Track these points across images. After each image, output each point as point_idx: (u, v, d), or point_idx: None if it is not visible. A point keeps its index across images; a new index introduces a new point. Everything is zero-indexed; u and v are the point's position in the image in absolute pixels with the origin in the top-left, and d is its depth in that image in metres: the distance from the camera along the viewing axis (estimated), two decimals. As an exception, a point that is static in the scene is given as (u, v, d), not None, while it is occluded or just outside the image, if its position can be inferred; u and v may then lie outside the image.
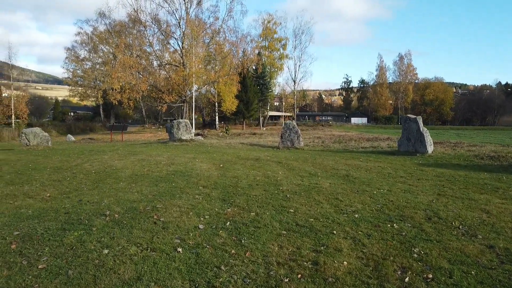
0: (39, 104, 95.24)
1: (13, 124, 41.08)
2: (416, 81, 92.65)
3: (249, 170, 10.34)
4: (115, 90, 42.04)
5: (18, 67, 46.23)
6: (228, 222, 4.97)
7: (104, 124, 60.73)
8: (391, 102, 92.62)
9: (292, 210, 5.65)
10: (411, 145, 14.89)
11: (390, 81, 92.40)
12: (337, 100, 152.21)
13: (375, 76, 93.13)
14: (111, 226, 4.70)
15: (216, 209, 5.72)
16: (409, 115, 16.30)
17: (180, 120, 20.88)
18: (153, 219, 5.03)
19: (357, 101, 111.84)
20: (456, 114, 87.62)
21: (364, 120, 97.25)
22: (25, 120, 43.63)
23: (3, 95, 49.60)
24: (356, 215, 5.43)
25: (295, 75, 69.28)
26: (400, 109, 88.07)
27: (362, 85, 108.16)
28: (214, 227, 4.80)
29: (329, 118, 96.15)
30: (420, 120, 14.97)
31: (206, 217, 5.21)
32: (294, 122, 18.84)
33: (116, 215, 5.16)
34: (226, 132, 33.36)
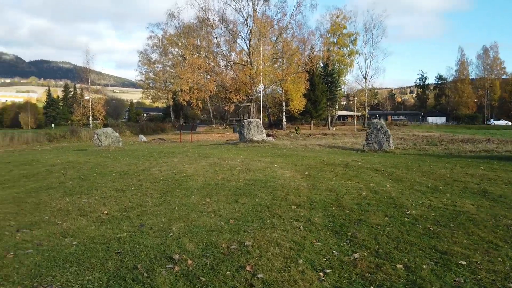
0: (116, 106, 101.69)
1: (91, 125, 43.19)
2: (504, 76, 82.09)
3: (343, 180, 8.25)
4: (184, 91, 42.26)
5: (96, 71, 48.77)
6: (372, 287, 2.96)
7: (174, 125, 62.13)
8: (474, 99, 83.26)
9: (463, 262, 3.47)
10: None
11: (473, 77, 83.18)
12: (409, 98, 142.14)
13: (455, 71, 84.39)
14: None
15: (334, 251, 3.74)
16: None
17: (251, 119, 19.34)
18: (244, 272, 3.19)
19: (434, 99, 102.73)
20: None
21: (442, 119, 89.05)
22: (102, 121, 45.75)
23: (85, 97, 52.81)
24: None
25: (366, 72, 64.99)
26: (486, 107, 78.83)
27: (439, 82, 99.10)
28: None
29: (402, 117, 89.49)
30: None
31: (327, 270, 3.25)
32: (383, 121, 16.23)
33: (189, 261, 3.41)
34: (296, 132, 31.35)
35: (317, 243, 3.98)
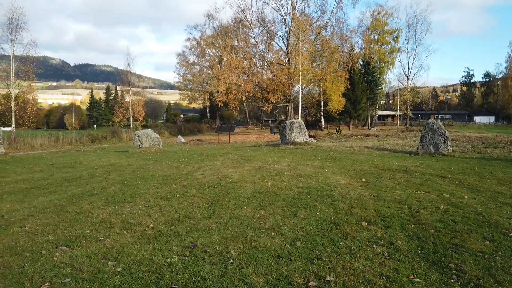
0: (154, 108, 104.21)
1: (131, 126, 44.00)
2: None
3: (410, 189, 7.26)
4: (221, 92, 42.09)
5: (135, 74, 49.82)
6: None
7: (210, 125, 62.43)
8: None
9: None
10: None
11: (526, 73, 77.28)
12: (452, 97, 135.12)
13: (505, 68, 78.71)
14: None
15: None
16: None
17: (293, 120, 18.48)
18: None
19: (481, 98, 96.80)
20: None
21: (491, 119, 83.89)
22: (141, 122, 46.54)
23: (125, 99, 54.09)
24: None
25: (408, 70, 62.18)
26: (540, 105, 73.03)
27: (487, 79, 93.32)
28: None
29: (447, 117, 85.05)
30: None
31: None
32: (439, 122, 14.85)
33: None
34: (337, 133, 30.11)
35: (416, 280, 3.13)
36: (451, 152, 14.41)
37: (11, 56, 29.69)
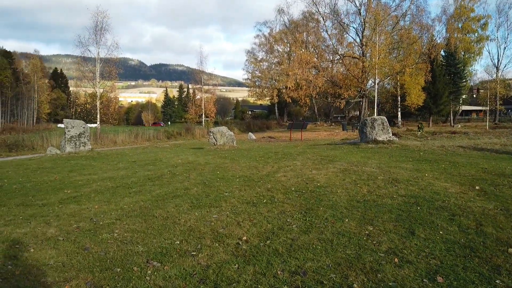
0: (223, 105, 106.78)
1: (203, 123, 45.20)
2: None
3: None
4: (289, 88, 41.33)
5: (207, 72, 51.05)
6: None
7: (278, 122, 62.06)
8: None
9: None
10: None
11: None
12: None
13: None
14: None
15: None
16: None
17: (375, 117, 17.09)
18: None
19: None
20: None
21: None
22: (212, 119, 47.62)
23: (197, 97, 55.89)
24: None
25: (498, 61, 55.66)
26: None
27: None
28: None
29: (545, 112, 75.00)
30: None
31: None
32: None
33: None
34: (420, 130, 27.65)
35: None
36: None
37: (97, 58, 31.94)
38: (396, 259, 3.61)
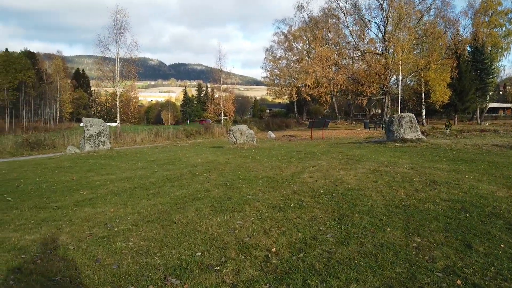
0: (242, 103, 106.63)
1: (222, 121, 44.92)
2: None
3: None
4: (308, 86, 40.54)
5: (225, 71, 50.66)
6: None
7: (298, 120, 61.20)
8: None
9: None
10: None
11: None
12: None
13: None
14: None
15: None
16: None
17: (403, 114, 16.25)
18: None
19: None
20: None
21: None
22: (231, 117, 47.27)
23: (215, 96, 55.69)
24: None
25: (528, 55, 53.06)
26: None
27: None
28: None
29: None
30: None
31: None
32: None
33: None
34: (448, 128, 26.47)
35: None
36: None
37: (116, 57, 32.03)
38: (458, 280, 3.02)
